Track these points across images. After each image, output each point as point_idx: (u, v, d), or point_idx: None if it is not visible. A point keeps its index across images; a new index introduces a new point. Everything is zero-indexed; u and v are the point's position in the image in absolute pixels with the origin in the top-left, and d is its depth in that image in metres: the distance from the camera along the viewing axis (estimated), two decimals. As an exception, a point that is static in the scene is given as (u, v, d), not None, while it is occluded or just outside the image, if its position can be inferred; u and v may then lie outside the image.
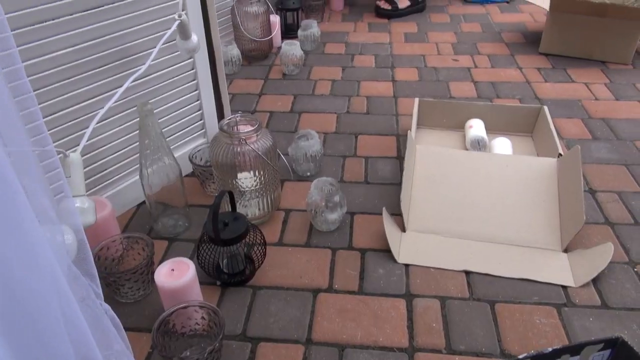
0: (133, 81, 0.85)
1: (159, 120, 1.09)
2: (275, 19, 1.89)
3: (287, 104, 1.54)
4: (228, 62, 1.70)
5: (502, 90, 1.57)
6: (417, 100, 1.33)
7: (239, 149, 0.96)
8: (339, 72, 1.72)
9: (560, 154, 1.09)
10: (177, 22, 0.86)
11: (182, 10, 1.00)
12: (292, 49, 1.67)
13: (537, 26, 2.02)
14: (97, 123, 0.95)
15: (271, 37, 1.83)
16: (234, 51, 1.70)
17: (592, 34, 1.68)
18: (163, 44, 0.86)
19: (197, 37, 0.92)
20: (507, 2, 2.28)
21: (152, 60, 0.84)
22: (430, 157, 1.13)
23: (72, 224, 0.53)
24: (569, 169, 1.03)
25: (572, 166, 1.02)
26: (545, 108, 1.27)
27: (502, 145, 1.21)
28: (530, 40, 1.90)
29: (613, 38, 1.67)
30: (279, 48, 1.80)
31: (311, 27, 1.86)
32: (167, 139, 1.14)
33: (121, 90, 0.80)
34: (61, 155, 0.64)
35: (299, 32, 1.87)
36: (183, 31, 0.88)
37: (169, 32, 0.85)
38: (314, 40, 1.88)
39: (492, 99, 1.52)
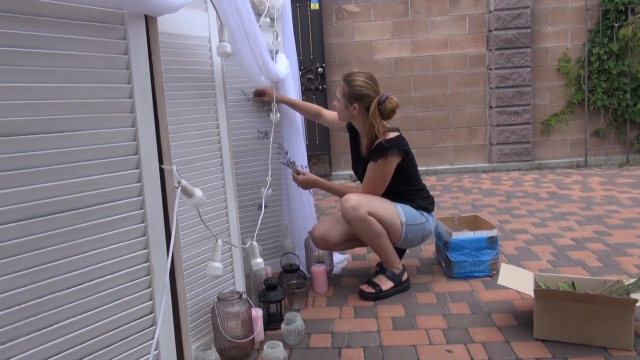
0: None
1: None
2: (258, 313, 1.83)
3: (267, 422, 1.35)
4: (205, 368, 1.57)
5: (506, 392, 1.42)
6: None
7: None
8: (325, 373, 1.59)
9: None
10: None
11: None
12: (274, 351, 1.56)
13: (526, 304, 1.98)
14: None
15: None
16: (212, 356, 1.58)
17: (584, 319, 1.63)
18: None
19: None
20: (490, 277, 2.30)
21: None
22: None
23: None
24: None
25: None
26: None
27: None
28: (522, 323, 1.83)
29: (607, 323, 1.61)
30: (261, 342, 1.70)
31: (295, 321, 1.79)
32: None
33: None
34: None
35: (282, 326, 1.80)
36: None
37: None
38: (298, 333, 1.79)
39: (498, 404, 1.36)
